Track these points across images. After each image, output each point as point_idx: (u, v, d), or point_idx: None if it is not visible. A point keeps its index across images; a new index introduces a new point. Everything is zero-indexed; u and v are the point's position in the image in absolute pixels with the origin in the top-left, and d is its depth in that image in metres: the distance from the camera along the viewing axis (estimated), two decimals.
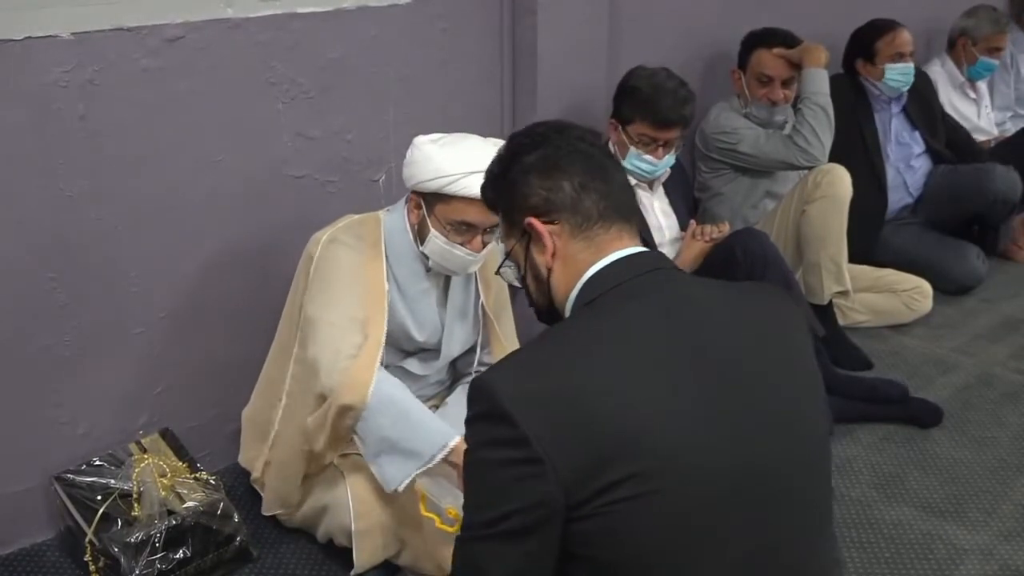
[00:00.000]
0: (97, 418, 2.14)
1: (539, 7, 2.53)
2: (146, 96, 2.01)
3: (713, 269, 2.59)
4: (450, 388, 2.22)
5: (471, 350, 2.17)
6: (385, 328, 1.92)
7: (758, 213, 3.09)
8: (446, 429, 1.83)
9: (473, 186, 1.78)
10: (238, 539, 2.03)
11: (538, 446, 1.05)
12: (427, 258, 1.97)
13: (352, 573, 1.97)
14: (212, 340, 2.27)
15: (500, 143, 1.88)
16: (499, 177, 1.34)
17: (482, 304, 2.14)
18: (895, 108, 3.42)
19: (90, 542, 1.95)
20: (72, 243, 2.00)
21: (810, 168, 2.91)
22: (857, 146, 3.27)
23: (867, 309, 3.12)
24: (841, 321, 2.99)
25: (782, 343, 1.24)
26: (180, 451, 2.14)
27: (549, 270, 1.28)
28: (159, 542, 1.90)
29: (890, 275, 3.19)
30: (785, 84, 2.98)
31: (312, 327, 1.90)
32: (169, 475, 2.04)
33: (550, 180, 1.26)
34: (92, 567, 1.96)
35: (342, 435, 1.89)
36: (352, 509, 1.93)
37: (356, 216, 2.04)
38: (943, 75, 3.83)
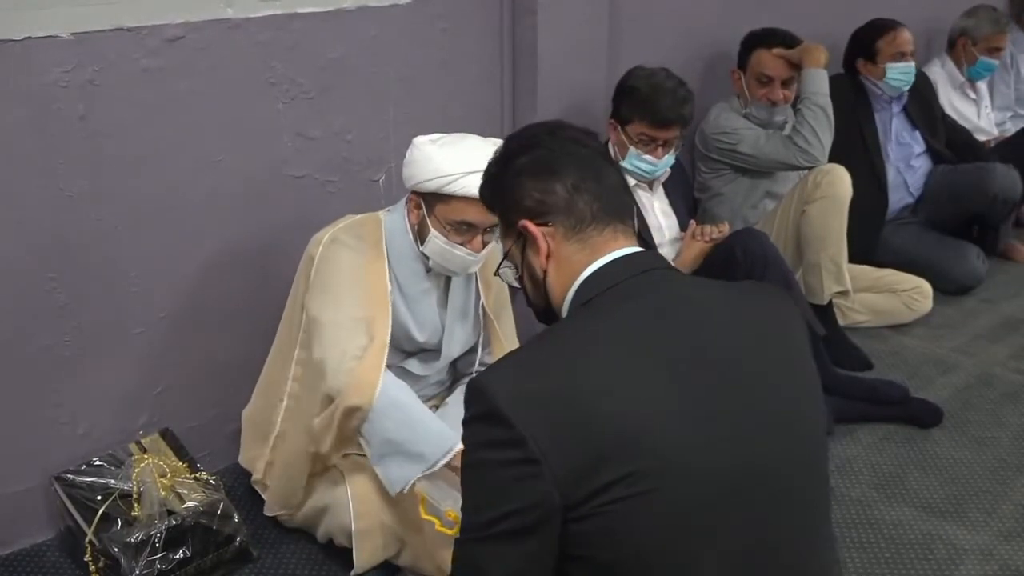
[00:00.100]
0: (97, 418, 2.14)
1: (539, 7, 2.53)
2: (146, 96, 2.01)
3: (713, 269, 2.59)
4: (450, 388, 2.22)
5: (471, 350, 2.17)
6: (389, 329, 1.92)
7: (758, 213, 3.09)
8: (450, 433, 1.84)
9: (472, 186, 1.78)
10: (238, 539, 2.02)
11: (535, 446, 1.05)
12: (427, 258, 1.97)
13: (352, 573, 1.97)
14: (212, 340, 2.27)
15: (500, 142, 1.89)
16: (494, 179, 1.35)
17: (482, 304, 2.14)
18: (895, 108, 3.42)
19: (90, 542, 1.95)
20: (72, 243, 2.00)
21: (810, 168, 2.92)
22: (857, 146, 3.27)
23: (867, 309, 3.12)
24: (841, 321, 2.99)
25: (782, 343, 1.24)
26: (180, 451, 2.14)
27: (544, 271, 1.28)
28: (159, 542, 1.90)
29: (890, 275, 3.19)
30: (785, 84, 2.98)
31: (317, 328, 1.90)
32: (169, 475, 2.04)
33: (542, 183, 1.26)
34: (92, 567, 1.96)
35: (348, 436, 1.89)
36: (352, 509, 1.94)
37: (356, 216, 2.04)
38: (943, 75, 3.83)
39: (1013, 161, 3.44)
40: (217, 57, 2.08)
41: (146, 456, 2.09)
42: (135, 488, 1.99)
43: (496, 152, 1.37)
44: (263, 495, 2.14)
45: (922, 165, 3.51)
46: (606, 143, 2.66)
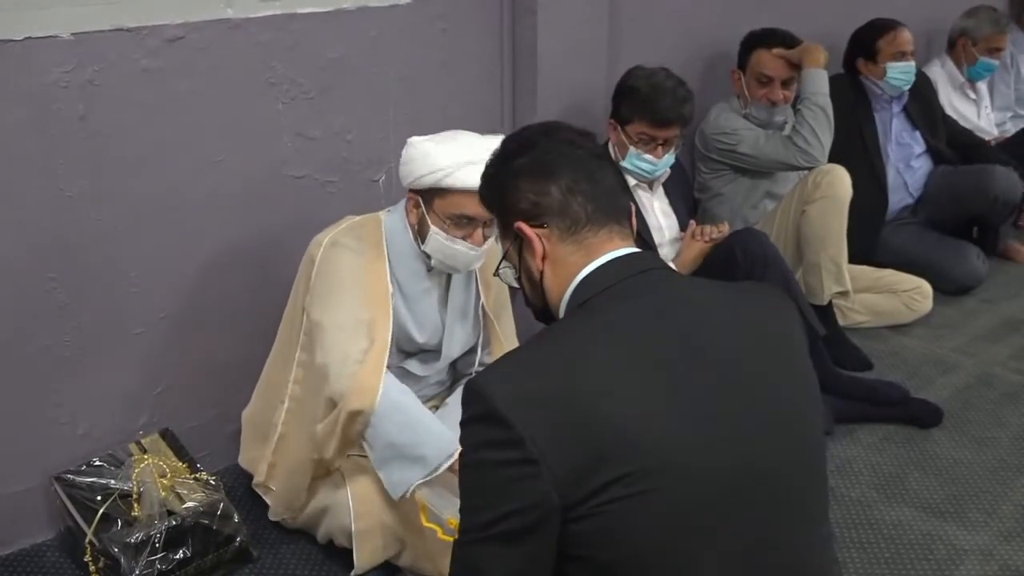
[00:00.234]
0: (97, 418, 2.14)
1: (539, 7, 2.53)
2: (146, 96, 2.01)
3: (713, 269, 2.59)
4: (450, 389, 2.22)
5: (471, 350, 2.17)
6: (391, 331, 1.92)
7: (758, 213, 3.09)
8: (452, 436, 1.83)
9: (469, 177, 1.79)
10: (238, 539, 2.02)
11: (533, 447, 1.05)
12: (429, 258, 1.97)
13: (352, 574, 1.97)
14: (212, 340, 2.27)
15: (496, 137, 1.89)
16: (492, 180, 1.36)
17: (482, 304, 2.13)
18: (895, 108, 3.42)
19: (90, 542, 1.94)
20: (72, 243, 2.00)
21: (810, 168, 2.92)
22: (857, 146, 3.27)
23: (867, 309, 3.12)
24: (841, 321, 2.99)
25: (781, 343, 1.24)
26: (180, 451, 2.14)
27: (541, 272, 1.28)
28: (159, 542, 1.90)
29: (890, 275, 3.19)
30: (785, 84, 2.98)
31: (319, 333, 1.90)
32: (169, 475, 2.04)
33: (537, 184, 1.27)
34: (92, 567, 1.96)
35: (352, 441, 1.89)
36: (352, 510, 1.94)
37: (357, 218, 2.04)
38: (943, 75, 3.83)
39: (1013, 162, 3.44)
40: (217, 57, 2.08)
41: (146, 456, 2.09)
42: (135, 488, 1.99)
43: (494, 153, 1.37)
44: (265, 498, 2.14)
45: (922, 166, 3.51)
46: (606, 143, 2.67)
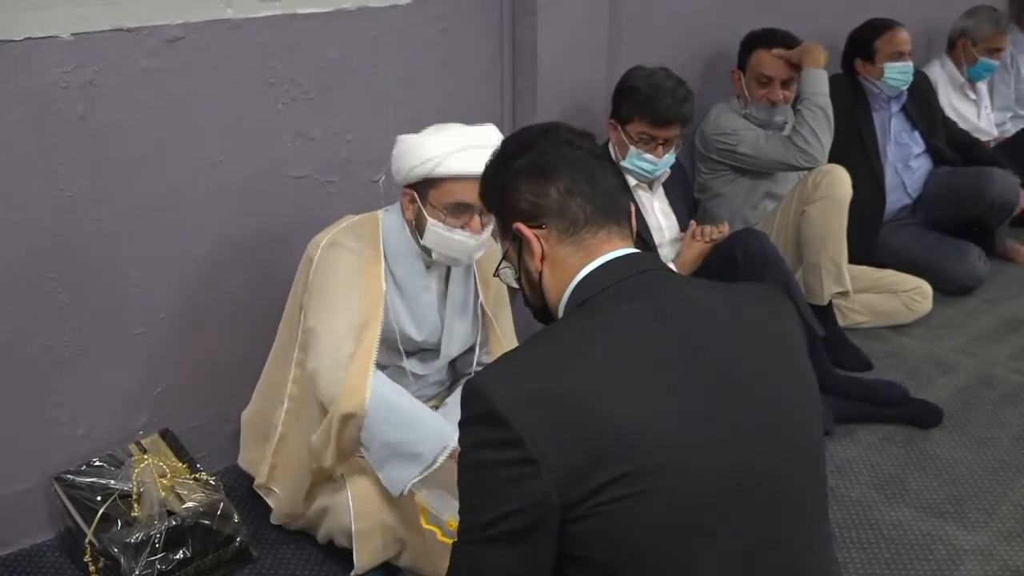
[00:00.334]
0: (97, 418, 2.14)
1: (539, 7, 2.53)
2: (146, 96, 2.01)
3: (713, 270, 2.59)
4: (450, 388, 2.22)
5: (470, 349, 2.17)
6: (379, 332, 1.92)
7: (758, 214, 3.09)
8: (446, 430, 1.84)
9: (461, 163, 1.80)
10: (238, 540, 2.02)
11: (532, 447, 1.05)
12: (429, 252, 1.97)
13: (352, 574, 1.97)
14: (212, 340, 2.27)
15: (486, 127, 1.89)
16: (492, 180, 1.36)
17: (481, 303, 2.13)
18: (894, 107, 3.42)
19: (90, 543, 1.94)
20: (72, 243, 2.00)
21: (810, 169, 2.92)
22: (855, 146, 3.27)
23: (867, 310, 3.12)
24: (841, 322, 2.99)
25: (780, 344, 1.24)
26: (180, 451, 2.14)
27: (540, 273, 1.28)
28: (159, 543, 1.90)
29: (890, 276, 3.19)
30: (784, 85, 2.98)
31: (311, 337, 1.91)
32: (169, 476, 2.04)
33: (536, 185, 1.27)
34: (92, 568, 1.96)
35: (347, 448, 1.89)
36: (352, 510, 1.93)
37: (356, 217, 2.04)
38: (943, 76, 3.83)
39: (1013, 163, 3.44)
40: (217, 58, 2.08)
41: (146, 456, 2.09)
42: (135, 488, 1.99)
43: (494, 154, 1.38)
44: (267, 499, 2.14)
45: (921, 166, 3.51)
46: (606, 143, 2.67)
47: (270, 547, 2.12)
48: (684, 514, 1.08)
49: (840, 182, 2.84)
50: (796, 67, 2.96)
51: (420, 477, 1.84)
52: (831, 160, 2.91)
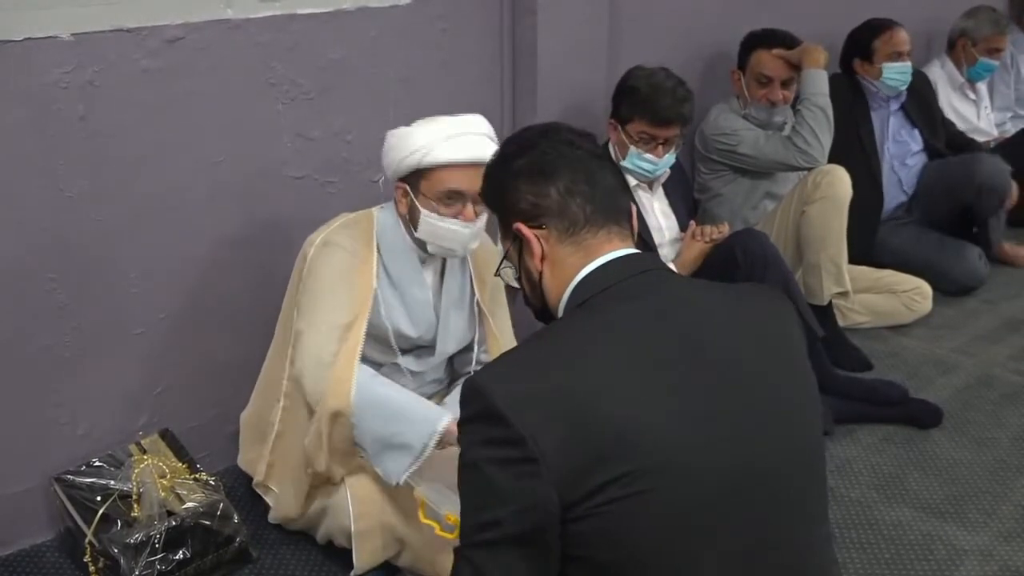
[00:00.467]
0: (97, 418, 2.14)
1: (539, 7, 2.53)
2: (146, 97, 2.01)
3: (713, 270, 2.59)
4: (448, 387, 2.22)
5: (468, 347, 2.17)
6: (364, 328, 1.92)
7: (758, 214, 3.09)
8: (432, 415, 1.84)
9: (449, 151, 1.81)
10: (238, 540, 2.02)
11: (533, 446, 1.05)
12: (424, 247, 1.97)
13: (352, 574, 1.97)
14: (212, 340, 2.27)
15: (473, 116, 1.89)
16: (492, 180, 1.36)
17: (477, 300, 2.13)
18: (893, 106, 3.42)
19: (90, 543, 1.94)
20: (72, 243, 2.00)
21: (809, 169, 2.92)
22: (854, 146, 3.27)
23: (867, 310, 3.12)
24: (841, 322, 2.99)
25: (780, 344, 1.24)
26: (180, 452, 2.14)
27: (540, 273, 1.29)
28: (159, 543, 1.90)
29: (890, 276, 3.19)
30: (784, 85, 2.98)
31: (298, 337, 1.92)
32: (169, 476, 2.04)
33: (536, 186, 1.27)
34: (92, 568, 1.96)
35: (340, 448, 1.89)
36: (352, 510, 1.93)
37: (351, 215, 2.05)
38: (943, 76, 3.83)
39: (1012, 162, 3.43)
40: (217, 58, 2.08)
41: (146, 457, 2.09)
42: (135, 489, 1.99)
43: (494, 154, 1.38)
44: (265, 498, 2.14)
45: (917, 163, 3.50)
46: (606, 143, 2.67)
47: (270, 547, 2.12)
48: (684, 514, 1.08)
49: (840, 182, 2.84)
50: (796, 67, 2.96)
51: (415, 466, 1.84)
52: (830, 160, 2.91)
